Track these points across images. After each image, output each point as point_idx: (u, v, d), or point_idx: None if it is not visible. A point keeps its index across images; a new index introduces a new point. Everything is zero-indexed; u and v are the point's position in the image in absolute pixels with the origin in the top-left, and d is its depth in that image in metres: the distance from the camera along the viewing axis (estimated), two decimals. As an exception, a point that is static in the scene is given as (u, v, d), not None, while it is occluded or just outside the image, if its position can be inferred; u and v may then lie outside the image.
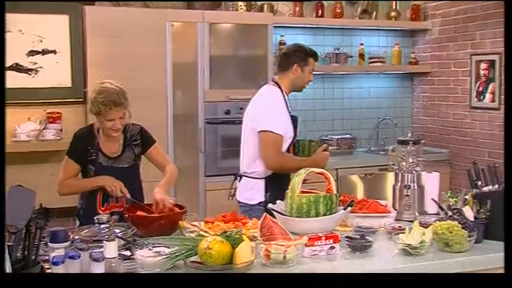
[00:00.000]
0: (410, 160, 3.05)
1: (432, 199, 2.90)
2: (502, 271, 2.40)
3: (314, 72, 3.67)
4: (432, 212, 2.93)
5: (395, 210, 3.03)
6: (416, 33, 6.07)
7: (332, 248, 2.39)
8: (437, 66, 5.84)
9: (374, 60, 5.78)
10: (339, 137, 5.52)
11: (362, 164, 5.32)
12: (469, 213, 2.58)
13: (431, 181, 3.07)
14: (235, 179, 3.62)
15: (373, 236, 2.51)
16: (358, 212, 2.99)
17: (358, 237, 2.50)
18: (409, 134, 3.20)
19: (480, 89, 5.34)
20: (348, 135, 5.65)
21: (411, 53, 6.01)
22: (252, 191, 3.46)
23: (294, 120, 3.50)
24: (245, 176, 3.51)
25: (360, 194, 5.07)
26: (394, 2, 5.87)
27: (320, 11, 5.53)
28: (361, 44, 5.75)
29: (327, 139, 5.40)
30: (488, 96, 5.27)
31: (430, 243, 2.43)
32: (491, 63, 5.20)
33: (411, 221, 2.69)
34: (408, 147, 3.06)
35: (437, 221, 2.55)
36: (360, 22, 5.71)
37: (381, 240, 2.58)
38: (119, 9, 4.63)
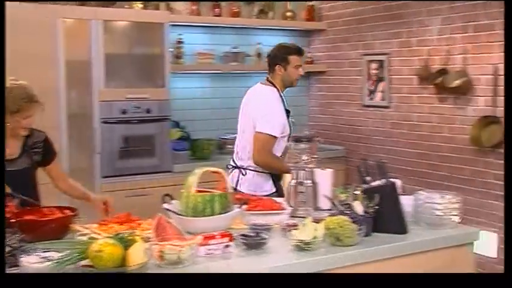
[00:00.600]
0: (305, 157, 3.11)
1: (324, 195, 2.98)
2: (389, 263, 2.52)
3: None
4: (325, 208, 2.98)
5: (291, 207, 3.08)
6: (312, 34, 6.22)
7: (227, 246, 2.40)
8: (332, 66, 6.02)
9: (271, 59, 5.85)
10: (237, 135, 5.51)
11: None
12: (358, 207, 2.66)
13: (325, 177, 3.14)
14: (231, 170, 3.78)
15: (268, 233, 2.54)
16: (254, 210, 3.01)
17: (253, 234, 2.52)
18: (306, 132, 3.27)
19: (371, 88, 5.56)
20: (246, 134, 5.66)
21: (307, 53, 6.14)
22: (262, 183, 3.72)
23: (288, 115, 3.80)
24: (250, 170, 3.72)
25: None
26: (288, 2, 5.98)
27: (217, 9, 5.54)
28: (258, 44, 5.81)
29: (225, 138, 5.40)
30: (378, 95, 5.50)
31: (323, 238, 2.49)
32: (381, 63, 5.42)
33: (305, 217, 2.74)
34: (302, 145, 3.12)
35: (329, 217, 2.62)
36: (256, 22, 5.77)
37: (276, 237, 2.61)
38: (7, 4, 4.39)
